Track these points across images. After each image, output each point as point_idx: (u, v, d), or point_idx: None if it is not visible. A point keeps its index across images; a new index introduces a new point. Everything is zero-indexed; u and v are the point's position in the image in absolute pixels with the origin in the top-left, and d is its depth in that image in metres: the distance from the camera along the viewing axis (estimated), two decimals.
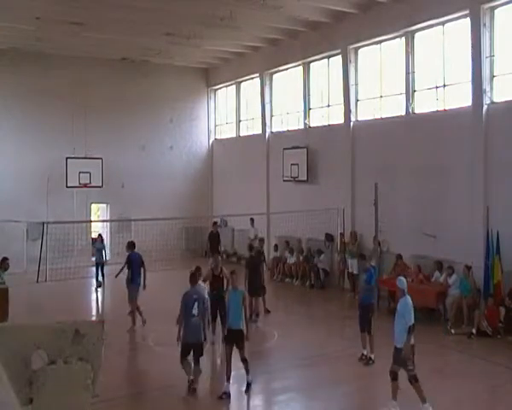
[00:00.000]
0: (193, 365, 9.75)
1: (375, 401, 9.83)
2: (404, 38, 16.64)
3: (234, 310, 9.80)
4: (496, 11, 14.23)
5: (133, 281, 13.56)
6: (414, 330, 8.74)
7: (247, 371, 9.86)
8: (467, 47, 14.65)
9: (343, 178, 18.57)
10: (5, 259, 12.84)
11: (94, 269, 19.08)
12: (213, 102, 27.02)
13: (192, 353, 9.72)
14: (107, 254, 19.35)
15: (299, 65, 21.17)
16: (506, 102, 13.96)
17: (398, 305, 8.93)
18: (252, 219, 21.17)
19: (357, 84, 18.53)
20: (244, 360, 9.81)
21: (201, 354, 9.79)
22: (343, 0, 16.84)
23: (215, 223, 20.59)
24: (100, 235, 20.06)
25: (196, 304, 9.73)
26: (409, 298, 8.85)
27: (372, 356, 11.20)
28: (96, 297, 18.47)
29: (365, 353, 11.30)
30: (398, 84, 16.92)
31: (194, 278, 10.26)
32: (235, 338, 9.77)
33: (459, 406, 9.32)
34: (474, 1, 14.26)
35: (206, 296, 11.06)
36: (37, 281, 15.88)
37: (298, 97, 21.33)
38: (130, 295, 13.60)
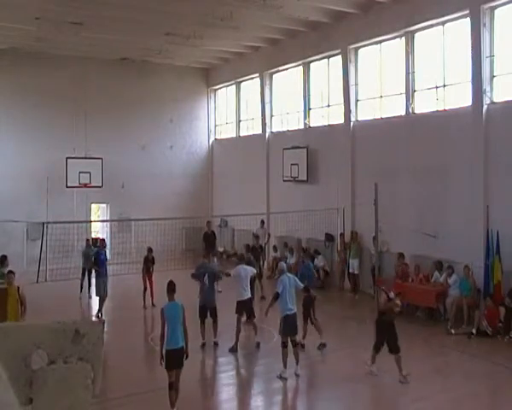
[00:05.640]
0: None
1: (375, 400, 9.82)
2: (404, 38, 16.64)
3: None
4: (496, 11, 14.24)
5: None
6: (277, 298, 10.44)
7: None
8: (467, 47, 14.65)
9: (343, 178, 18.56)
10: (5, 257, 12.92)
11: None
12: (213, 102, 27.01)
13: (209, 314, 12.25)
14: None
15: (298, 65, 21.17)
16: (506, 102, 13.96)
17: None
18: (262, 222, 20.42)
19: (357, 85, 18.53)
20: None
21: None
22: (343, 0, 16.86)
23: (208, 222, 20.38)
24: (87, 239, 18.75)
25: (207, 275, 12.23)
26: (284, 277, 10.60)
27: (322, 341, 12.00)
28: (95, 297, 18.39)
29: (323, 341, 11.97)
30: (398, 84, 16.92)
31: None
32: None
33: (459, 406, 9.32)
34: (474, 1, 14.26)
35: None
36: (37, 281, 15.84)
37: (298, 97, 21.32)
38: None
